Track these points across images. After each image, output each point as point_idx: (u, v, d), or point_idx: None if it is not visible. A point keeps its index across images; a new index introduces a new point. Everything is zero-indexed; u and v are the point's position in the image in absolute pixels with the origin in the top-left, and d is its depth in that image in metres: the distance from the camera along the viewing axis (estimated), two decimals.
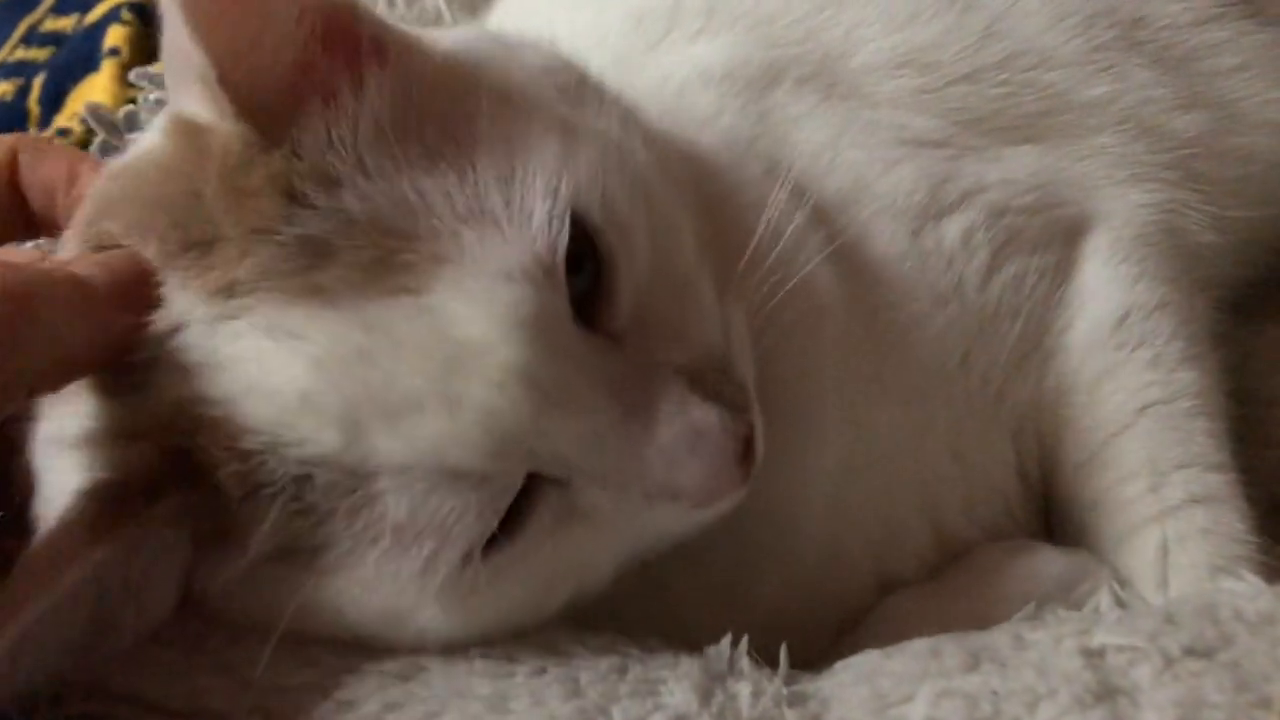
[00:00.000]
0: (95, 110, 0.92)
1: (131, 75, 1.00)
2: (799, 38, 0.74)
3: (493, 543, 0.46)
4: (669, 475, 0.48)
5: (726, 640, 0.50)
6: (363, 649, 0.49)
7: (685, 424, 0.48)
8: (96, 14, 1.29)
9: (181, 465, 0.45)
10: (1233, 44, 0.78)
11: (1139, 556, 0.64)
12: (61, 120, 1.22)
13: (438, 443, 0.44)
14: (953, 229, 0.68)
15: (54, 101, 1.24)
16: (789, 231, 0.58)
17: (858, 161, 0.68)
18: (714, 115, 0.68)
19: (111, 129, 0.90)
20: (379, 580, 0.46)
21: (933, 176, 0.69)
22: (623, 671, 0.48)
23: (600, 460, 0.47)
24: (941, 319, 0.66)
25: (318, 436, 0.44)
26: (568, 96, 0.55)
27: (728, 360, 0.52)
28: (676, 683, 0.47)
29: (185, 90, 0.47)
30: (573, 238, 0.47)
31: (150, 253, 0.47)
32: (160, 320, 0.46)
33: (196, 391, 0.45)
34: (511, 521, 0.47)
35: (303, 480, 0.45)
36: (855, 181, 0.68)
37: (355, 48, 0.49)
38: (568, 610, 0.52)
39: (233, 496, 0.45)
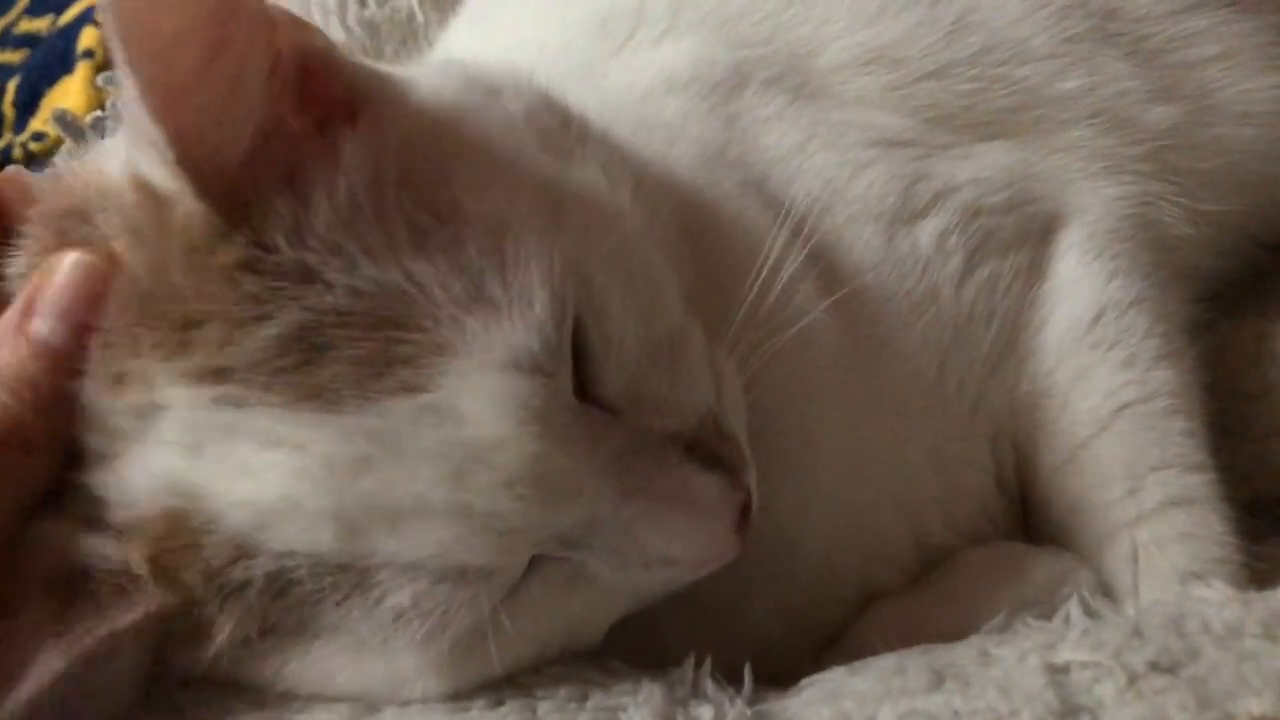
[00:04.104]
0: (62, 117, 0.92)
1: (100, 80, 0.99)
2: (766, 36, 0.73)
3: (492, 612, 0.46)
4: (667, 548, 0.48)
5: (689, 662, 0.50)
6: None
7: (683, 499, 0.47)
8: (70, 15, 1.28)
9: (152, 566, 0.44)
10: (1210, 34, 0.77)
11: (1117, 562, 0.63)
12: (36, 124, 1.22)
13: (445, 546, 0.43)
14: (927, 233, 0.67)
15: (29, 105, 1.24)
16: (784, 270, 0.57)
17: (828, 164, 0.67)
18: (681, 123, 0.67)
19: (79, 135, 0.90)
20: (370, 654, 0.46)
21: (904, 178, 0.68)
22: (582, 700, 0.47)
23: (599, 539, 0.47)
24: (919, 328, 0.65)
25: (306, 536, 0.43)
26: (551, 144, 0.52)
27: (721, 415, 0.51)
28: (637, 710, 0.47)
29: (142, 151, 0.44)
30: None
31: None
32: (139, 396, 0.44)
33: (170, 483, 0.43)
34: (512, 593, 0.46)
35: (279, 574, 0.44)
36: (826, 185, 0.67)
37: (329, 101, 0.47)
38: None
39: (198, 593, 0.44)
